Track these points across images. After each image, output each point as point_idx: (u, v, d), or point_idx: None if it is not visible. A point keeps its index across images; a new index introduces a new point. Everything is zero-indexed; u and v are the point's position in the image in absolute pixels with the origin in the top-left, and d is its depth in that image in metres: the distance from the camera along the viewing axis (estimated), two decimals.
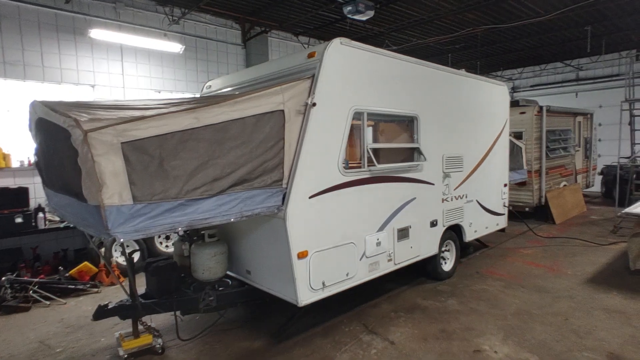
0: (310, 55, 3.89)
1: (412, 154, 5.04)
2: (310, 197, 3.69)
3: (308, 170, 3.66)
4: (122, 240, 2.60)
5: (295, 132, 3.62)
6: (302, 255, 3.63)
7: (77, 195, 2.81)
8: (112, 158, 2.58)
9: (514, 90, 17.12)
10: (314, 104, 3.64)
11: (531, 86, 16.54)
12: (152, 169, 2.77)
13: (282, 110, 3.53)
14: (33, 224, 6.09)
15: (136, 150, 2.69)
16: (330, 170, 3.88)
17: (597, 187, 13.09)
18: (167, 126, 2.87)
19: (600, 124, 14.41)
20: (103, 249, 5.83)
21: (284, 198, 3.53)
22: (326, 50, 3.78)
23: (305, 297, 3.69)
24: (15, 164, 6.57)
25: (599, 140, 14.40)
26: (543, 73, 16.12)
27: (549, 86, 16.04)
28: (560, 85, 15.69)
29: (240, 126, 3.26)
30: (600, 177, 12.97)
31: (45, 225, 6.20)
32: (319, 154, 3.75)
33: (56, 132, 2.92)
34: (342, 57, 3.95)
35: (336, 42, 3.88)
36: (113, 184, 2.58)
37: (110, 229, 2.56)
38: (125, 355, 3.70)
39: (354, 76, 4.10)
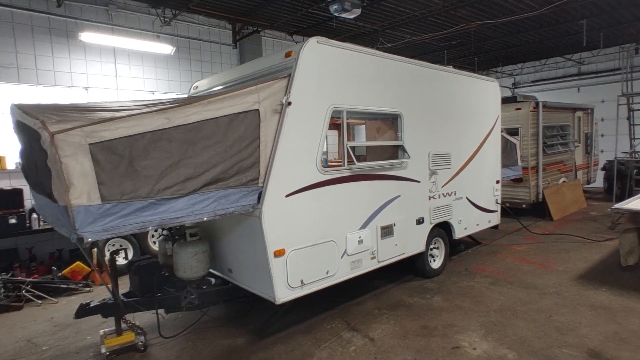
0: (287, 55, 3.92)
1: (397, 151, 5.04)
2: (287, 196, 3.72)
3: (284, 169, 3.68)
4: (89, 240, 2.65)
5: (271, 131, 3.64)
6: (279, 253, 3.65)
7: (50, 195, 2.87)
8: (80, 159, 2.63)
9: (515, 86, 16.94)
10: (289, 103, 3.66)
11: (532, 82, 16.35)
12: (122, 169, 2.81)
13: (257, 110, 3.56)
14: (27, 224, 6.19)
15: (105, 150, 2.74)
16: (307, 169, 3.89)
17: (599, 183, 12.94)
18: (138, 127, 2.92)
19: (602, 119, 14.21)
20: (95, 249, 5.92)
21: (260, 197, 3.56)
22: (302, 50, 3.79)
23: (283, 294, 3.72)
24: (10, 166, 6.69)
25: (601, 135, 14.20)
26: (544, 68, 15.92)
27: (551, 81, 15.83)
28: (561, 80, 15.48)
29: (213, 126, 3.29)
30: (603, 172, 12.81)
31: (39, 225, 6.29)
32: (295, 152, 3.77)
33: (31, 134, 2.98)
34: (319, 56, 3.96)
35: (312, 41, 3.89)
36: (81, 184, 2.63)
37: (78, 228, 2.61)
38: (107, 353, 3.76)
39: (333, 75, 4.10)
